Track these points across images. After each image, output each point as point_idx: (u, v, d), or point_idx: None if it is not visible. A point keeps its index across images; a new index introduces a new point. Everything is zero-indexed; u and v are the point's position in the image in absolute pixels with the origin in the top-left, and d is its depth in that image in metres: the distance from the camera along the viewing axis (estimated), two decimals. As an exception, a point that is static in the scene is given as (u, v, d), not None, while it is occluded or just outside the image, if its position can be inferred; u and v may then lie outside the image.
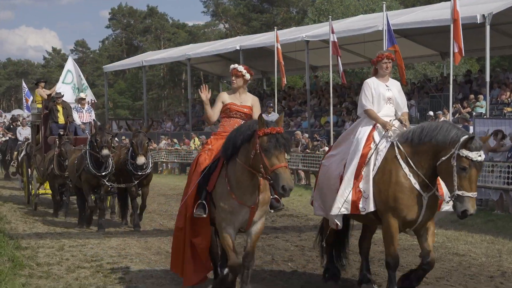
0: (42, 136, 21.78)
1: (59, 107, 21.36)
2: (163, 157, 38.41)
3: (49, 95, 22.17)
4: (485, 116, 26.30)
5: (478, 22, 28.18)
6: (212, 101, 10.46)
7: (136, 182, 17.18)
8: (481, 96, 29.30)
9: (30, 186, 22.31)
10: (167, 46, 79.71)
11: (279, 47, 33.29)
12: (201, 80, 75.97)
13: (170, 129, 46.52)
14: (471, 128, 22.04)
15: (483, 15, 28.01)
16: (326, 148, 27.95)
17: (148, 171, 17.34)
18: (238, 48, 41.49)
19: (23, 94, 44.90)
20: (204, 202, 9.59)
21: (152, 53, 58.35)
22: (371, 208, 9.61)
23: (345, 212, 9.82)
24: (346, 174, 9.86)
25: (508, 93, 30.21)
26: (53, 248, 14.22)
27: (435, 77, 43.02)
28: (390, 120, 10.09)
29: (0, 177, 33.61)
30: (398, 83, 10.69)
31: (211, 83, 75.58)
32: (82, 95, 21.84)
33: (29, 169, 23.23)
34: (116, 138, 22.48)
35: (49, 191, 20.92)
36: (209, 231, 9.97)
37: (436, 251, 12.99)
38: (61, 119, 21.27)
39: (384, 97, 10.26)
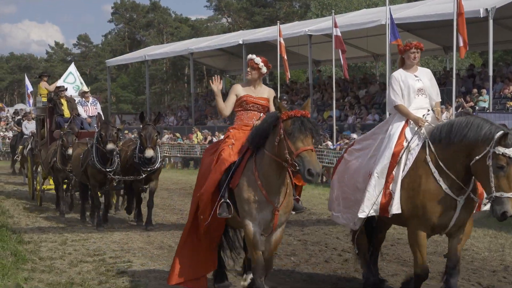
0: (47, 130, 21.08)
1: (63, 101, 20.69)
2: (165, 152, 38.41)
3: (57, 87, 21.38)
4: (488, 111, 26.27)
5: (481, 16, 28.16)
6: (225, 94, 10.17)
7: (143, 176, 16.43)
8: (484, 91, 29.27)
9: (35, 181, 21.76)
10: (170, 41, 79.72)
11: (282, 41, 33.28)
12: (203, 74, 76.01)
13: (173, 124, 46.58)
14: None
15: (486, 9, 28.00)
16: (329, 143, 28.00)
17: (157, 165, 16.68)
18: (241, 42, 41.57)
19: (26, 89, 44.97)
20: (228, 201, 8.97)
21: (155, 48, 58.32)
22: (396, 210, 8.98)
23: (374, 214, 9.30)
24: (376, 173, 9.23)
25: (511, 87, 30.14)
26: (55, 243, 14.23)
27: (438, 71, 42.98)
28: (424, 115, 9.40)
29: (6, 172, 33.61)
30: (429, 71, 10.03)
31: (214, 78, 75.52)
32: (84, 88, 21.41)
33: (34, 165, 22.65)
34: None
35: (54, 187, 20.35)
36: (221, 233, 9.75)
37: (438, 246, 13.03)
38: (67, 113, 20.57)
39: (414, 88, 9.59)
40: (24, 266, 11.78)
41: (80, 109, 20.35)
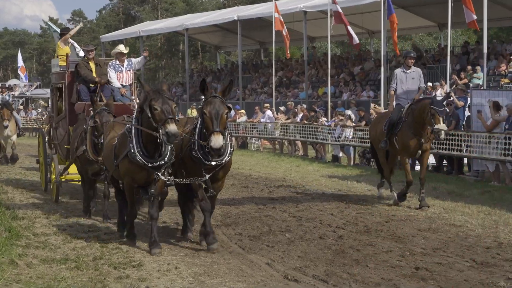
0: (66, 103, 16.63)
1: (92, 64, 16.16)
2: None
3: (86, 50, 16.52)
4: (482, 88, 26.22)
5: (477, -7, 28.07)
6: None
7: (207, 177, 11.18)
8: (479, 68, 29.25)
9: (49, 168, 17.39)
10: (165, 16, 79.45)
11: (278, 17, 33.26)
12: (198, 50, 75.85)
13: (168, 100, 46.65)
14: (468, 99, 21.97)
15: (482, -15, 27.90)
16: (324, 119, 27.89)
17: (227, 158, 11.21)
18: (236, 18, 41.46)
19: (18, 64, 44.82)
20: None
21: (149, 23, 58.27)
22: None
23: None
24: None
25: (505, 65, 30.14)
26: (50, 219, 14.20)
27: (432, 48, 42.92)
28: None
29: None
30: None
31: (209, 54, 75.47)
32: (121, 47, 16.05)
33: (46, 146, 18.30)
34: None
35: (76, 177, 16.51)
36: None
37: (433, 222, 13.07)
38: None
39: None
40: (18, 242, 11.75)
41: (113, 75, 15.67)
